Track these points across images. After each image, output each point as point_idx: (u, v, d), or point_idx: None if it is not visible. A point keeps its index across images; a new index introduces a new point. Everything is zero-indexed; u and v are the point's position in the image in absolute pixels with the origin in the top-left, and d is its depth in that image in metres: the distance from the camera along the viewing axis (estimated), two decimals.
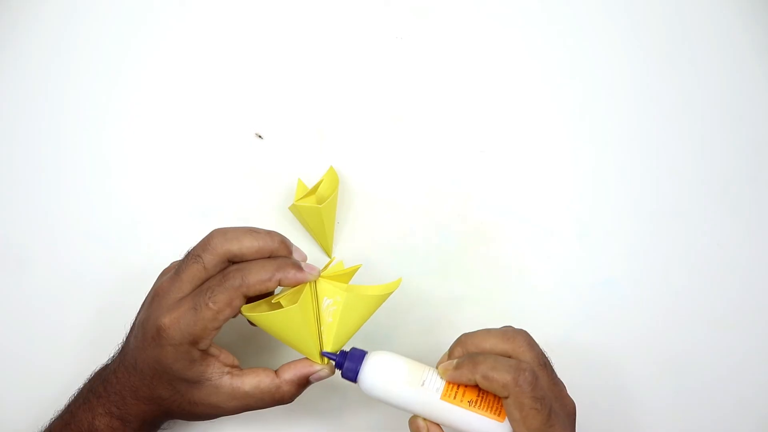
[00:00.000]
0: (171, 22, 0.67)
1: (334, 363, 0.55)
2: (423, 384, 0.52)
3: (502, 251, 0.65)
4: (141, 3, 0.67)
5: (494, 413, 0.51)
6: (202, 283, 0.53)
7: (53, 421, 0.57)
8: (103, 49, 0.67)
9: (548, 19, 0.66)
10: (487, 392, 0.52)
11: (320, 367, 0.55)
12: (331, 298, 0.55)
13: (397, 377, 0.53)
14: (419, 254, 0.65)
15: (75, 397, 0.57)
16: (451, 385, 0.52)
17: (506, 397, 0.50)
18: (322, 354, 0.54)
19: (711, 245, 0.65)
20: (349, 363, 0.53)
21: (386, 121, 0.66)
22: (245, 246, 0.53)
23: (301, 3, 0.66)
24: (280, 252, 0.54)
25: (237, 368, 0.54)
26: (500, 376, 0.50)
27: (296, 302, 0.53)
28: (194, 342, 0.52)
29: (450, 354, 0.54)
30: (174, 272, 0.53)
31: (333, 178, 0.65)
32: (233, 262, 0.53)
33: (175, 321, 0.51)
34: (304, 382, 0.55)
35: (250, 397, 0.54)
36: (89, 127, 0.66)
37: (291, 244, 0.55)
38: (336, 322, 0.55)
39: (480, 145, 0.66)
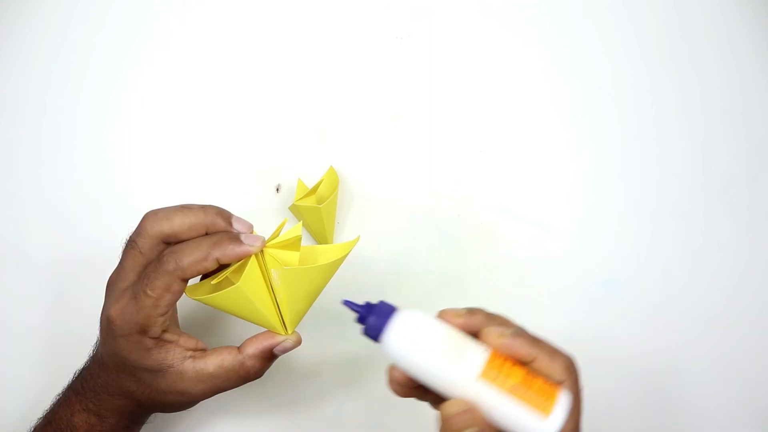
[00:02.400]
0: (171, 21, 0.67)
1: (299, 335, 0.52)
2: (462, 356, 0.42)
3: (502, 251, 0.65)
4: (141, 3, 0.67)
5: (538, 405, 0.41)
6: (143, 269, 0.51)
7: (39, 420, 0.57)
8: (102, 49, 0.67)
9: (548, 19, 0.66)
10: (535, 378, 0.43)
11: (283, 338, 0.53)
12: (277, 270, 0.52)
13: (430, 344, 0.43)
14: (419, 254, 0.65)
15: (58, 397, 0.57)
16: (494, 362, 0.42)
17: (562, 383, 0.43)
18: (344, 302, 0.47)
19: (711, 245, 0.65)
20: (374, 318, 0.44)
21: (386, 121, 0.66)
22: (176, 224, 0.51)
23: (301, 3, 0.66)
24: (216, 226, 0.52)
25: (201, 351, 0.53)
26: (561, 357, 0.43)
27: (239, 280, 0.51)
28: (142, 331, 0.51)
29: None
30: (119, 263, 0.53)
31: (333, 178, 0.65)
32: (170, 243, 0.52)
33: (120, 312, 0.51)
34: (268, 356, 0.53)
35: (216, 377, 0.52)
36: (89, 126, 0.67)
37: (230, 215, 0.53)
38: (283, 296, 0.52)
39: (480, 145, 0.66)
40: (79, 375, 0.56)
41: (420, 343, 0.43)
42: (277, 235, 0.54)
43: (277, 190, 0.65)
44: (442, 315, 0.45)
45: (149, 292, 0.50)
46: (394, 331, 0.44)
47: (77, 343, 0.64)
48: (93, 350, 0.57)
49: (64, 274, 0.66)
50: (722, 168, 0.66)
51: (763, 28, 0.66)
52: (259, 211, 0.66)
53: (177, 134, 0.66)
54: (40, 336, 0.66)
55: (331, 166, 0.65)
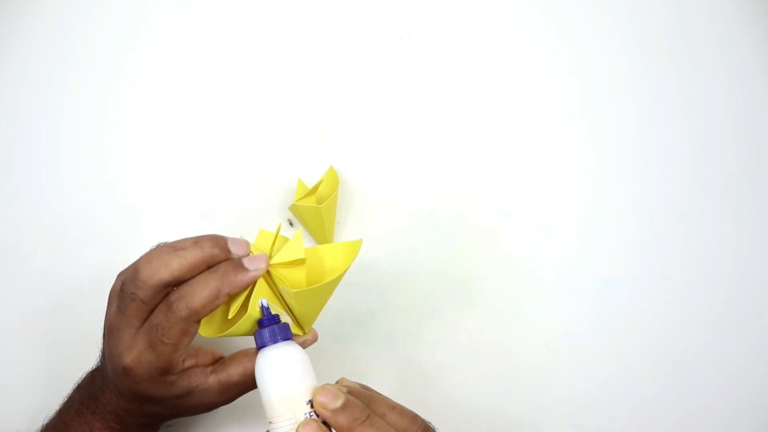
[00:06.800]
0: (171, 21, 0.67)
1: (316, 332, 0.54)
2: (295, 403, 0.48)
3: (502, 251, 0.65)
4: (141, 3, 0.67)
5: None
6: (149, 314, 0.50)
7: (45, 428, 0.56)
8: (102, 49, 0.67)
9: (548, 19, 0.66)
10: None
11: (302, 338, 0.53)
12: (285, 288, 0.52)
13: (280, 376, 0.49)
14: (419, 254, 0.65)
15: (65, 406, 0.56)
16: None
17: None
18: (261, 302, 0.51)
19: (711, 245, 0.65)
20: (267, 333, 0.50)
21: (386, 121, 0.66)
22: (175, 270, 0.49)
23: (301, 4, 0.66)
24: (215, 258, 0.50)
25: (219, 361, 0.53)
26: (401, 420, 0.48)
27: (247, 307, 0.51)
28: (165, 372, 0.50)
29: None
30: (117, 308, 0.51)
31: (333, 178, 0.65)
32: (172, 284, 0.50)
33: (137, 360, 0.49)
34: None
35: (241, 384, 0.52)
36: (89, 126, 0.67)
37: (225, 240, 0.51)
38: (295, 307, 0.52)
39: (480, 145, 0.66)
40: (88, 391, 0.55)
41: (274, 370, 0.49)
42: (275, 239, 0.54)
43: (291, 224, 0.65)
44: (324, 387, 0.48)
45: (166, 340, 0.49)
46: (268, 351, 0.49)
47: (77, 343, 0.64)
48: (98, 365, 0.56)
49: (64, 274, 0.66)
50: (722, 168, 0.66)
51: (763, 28, 0.66)
52: (259, 211, 0.66)
53: (177, 134, 0.66)
54: (39, 336, 0.65)
55: (331, 166, 0.65)
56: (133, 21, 0.66)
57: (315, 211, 0.62)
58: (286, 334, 0.50)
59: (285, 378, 0.48)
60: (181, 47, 0.67)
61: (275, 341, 0.50)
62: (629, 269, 0.65)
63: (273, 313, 0.51)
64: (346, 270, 0.53)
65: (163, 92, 0.66)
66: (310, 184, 0.64)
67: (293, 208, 0.64)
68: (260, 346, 0.50)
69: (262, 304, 0.51)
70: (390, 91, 0.66)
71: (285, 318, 0.53)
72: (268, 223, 0.65)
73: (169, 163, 0.66)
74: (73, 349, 0.64)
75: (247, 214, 0.66)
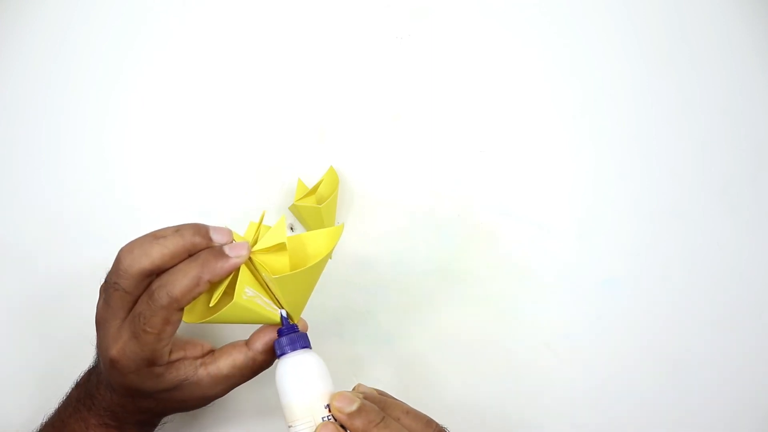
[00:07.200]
0: (171, 21, 0.67)
1: (305, 321, 0.55)
2: (313, 406, 0.50)
3: (502, 251, 0.65)
4: (141, 3, 0.67)
5: None
6: (134, 304, 0.50)
7: (44, 426, 0.57)
8: (102, 49, 0.67)
9: (548, 19, 0.66)
10: None
11: None
12: (267, 275, 0.52)
13: (299, 383, 0.51)
14: (419, 254, 0.65)
15: (64, 404, 0.57)
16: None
17: None
18: (280, 313, 0.53)
19: (711, 245, 0.65)
20: (285, 340, 0.52)
21: (386, 121, 0.66)
22: (156, 258, 0.49)
23: (301, 4, 0.66)
24: (197, 246, 0.50)
25: (210, 353, 0.53)
26: (415, 423, 0.49)
27: (233, 294, 0.51)
28: (150, 363, 0.50)
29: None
30: (103, 300, 0.51)
31: (333, 178, 0.65)
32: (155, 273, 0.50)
33: (122, 352, 0.50)
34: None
35: (231, 377, 0.53)
36: (89, 126, 0.67)
37: (207, 229, 0.51)
38: (280, 295, 0.53)
39: (480, 145, 0.66)
40: (84, 389, 0.56)
41: (294, 377, 0.51)
42: (259, 226, 0.54)
43: (292, 229, 0.65)
44: (346, 392, 0.50)
45: (149, 329, 0.49)
46: (288, 358, 0.51)
47: (77, 344, 0.64)
48: (94, 362, 0.56)
49: (64, 274, 0.66)
50: (722, 168, 0.66)
51: (763, 28, 0.66)
52: (259, 211, 0.66)
53: (177, 134, 0.66)
54: (39, 336, 0.66)
55: (331, 166, 0.65)
56: (133, 21, 0.66)
57: (315, 211, 0.62)
58: (304, 343, 0.52)
59: (305, 385, 0.51)
60: (181, 47, 0.66)
61: (295, 349, 0.52)
62: (629, 269, 0.65)
63: (291, 323, 0.53)
64: (328, 255, 0.53)
65: (163, 92, 0.66)
66: (310, 184, 0.64)
67: (293, 208, 0.64)
68: (280, 354, 0.52)
69: (282, 315, 0.53)
70: (390, 91, 0.66)
71: (271, 308, 0.53)
72: (267, 223, 0.65)
73: (169, 163, 0.66)
74: (72, 349, 0.64)
75: (247, 214, 0.66)
